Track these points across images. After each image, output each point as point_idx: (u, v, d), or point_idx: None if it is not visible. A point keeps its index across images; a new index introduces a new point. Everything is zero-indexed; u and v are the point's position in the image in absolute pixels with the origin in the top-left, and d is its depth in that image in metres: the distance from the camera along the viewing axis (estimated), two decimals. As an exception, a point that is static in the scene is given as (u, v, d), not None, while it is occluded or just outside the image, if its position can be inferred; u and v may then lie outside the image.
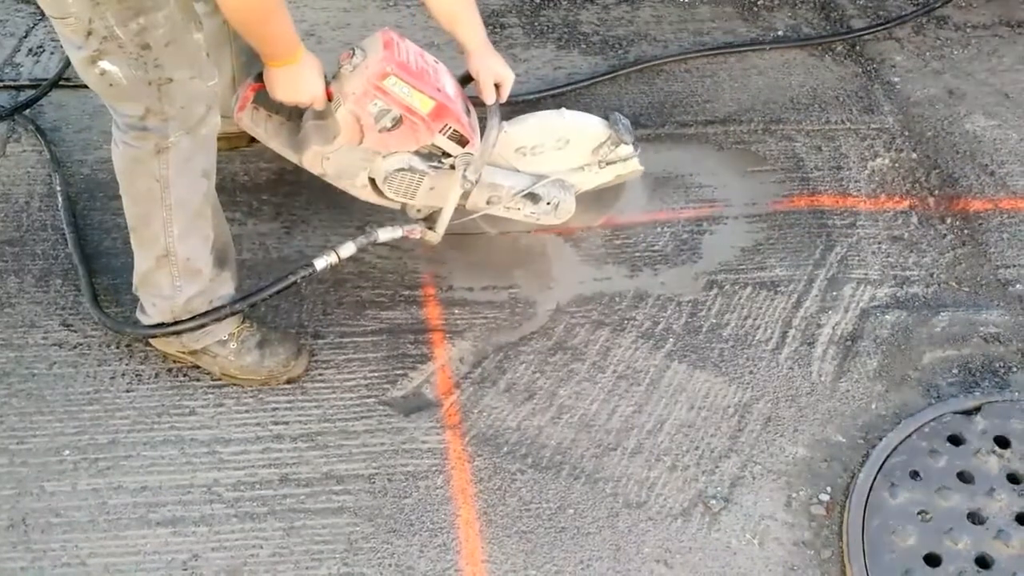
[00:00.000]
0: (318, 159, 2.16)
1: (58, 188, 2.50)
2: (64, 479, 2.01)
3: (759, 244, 2.52)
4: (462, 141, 2.16)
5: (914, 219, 2.59)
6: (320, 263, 2.11)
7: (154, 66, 1.78)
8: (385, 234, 2.21)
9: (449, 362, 2.25)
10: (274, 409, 2.14)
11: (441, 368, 2.24)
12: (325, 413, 2.14)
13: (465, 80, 2.25)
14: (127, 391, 2.16)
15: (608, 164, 2.36)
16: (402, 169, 2.18)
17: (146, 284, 2.06)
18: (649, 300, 2.39)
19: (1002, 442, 2.10)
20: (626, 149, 2.33)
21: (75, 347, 2.22)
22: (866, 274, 2.45)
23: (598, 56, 3.04)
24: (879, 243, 2.52)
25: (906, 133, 2.82)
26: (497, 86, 2.21)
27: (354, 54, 2.04)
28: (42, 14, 2.99)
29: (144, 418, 2.11)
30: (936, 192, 2.66)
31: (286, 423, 2.12)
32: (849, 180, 2.68)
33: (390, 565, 1.91)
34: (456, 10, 2.14)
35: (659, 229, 2.55)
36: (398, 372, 2.22)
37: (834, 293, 2.41)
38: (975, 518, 1.98)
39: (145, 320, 2.11)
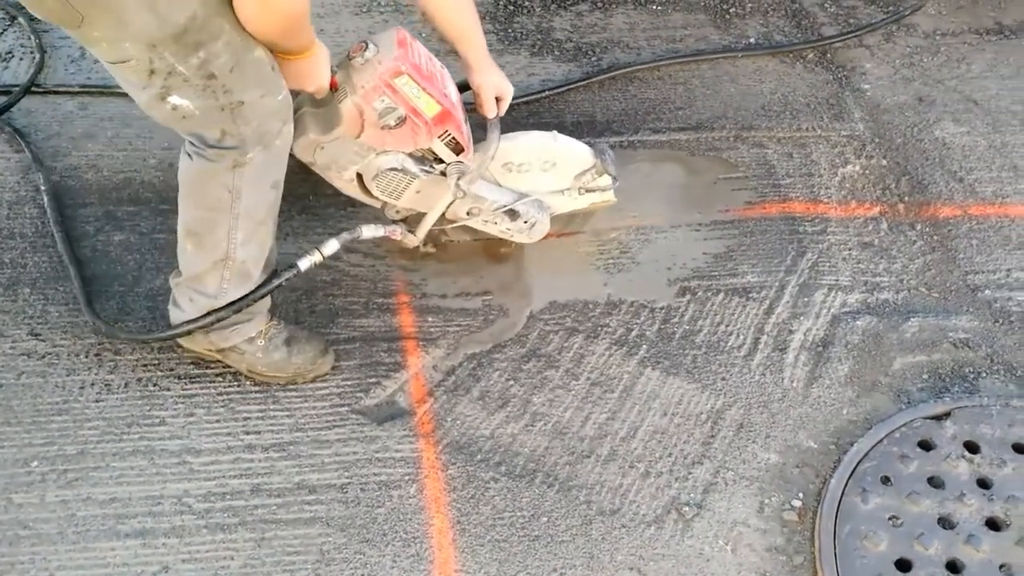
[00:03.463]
0: (311, 147, 2.14)
1: (43, 187, 2.48)
2: (32, 491, 1.99)
3: (731, 250, 2.53)
4: (457, 149, 2.17)
5: (884, 225, 2.61)
6: (304, 263, 2.10)
7: (223, 92, 1.76)
8: (368, 232, 2.21)
9: (422, 370, 2.24)
10: (245, 419, 2.12)
11: (414, 376, 2.23)
12: (297, 422, 2.12)
13: (462, 88, 2.25)
14: (96, 401, 2.13)
15: (587, 192, 2.39)
16: (394, 169, 2.17)
17: (195, 281, 2.04)
18: (622, 307, 2.40)
19: (972, 447, 2.12)
20: (606, 180, 2.37)
21: (43, 357, 2.19)
22: (837, 280, 2.47)
23: (572, 63, 3.04)
24: (850, 249, 2.54)
25: (876, 140, 2.84)
26: (497, 100, 2.23)
27: (367, 47, 2.03)
28: (11, 19, 2.97)
29: (113, 428, 2.09)
30: (906, 198, 2.68)
31: (258, 433, 2.10)
32: (820, 187, 2.70)
33: None
34: (464, 27, 2.18)
35: (632, 236, 2.55)
36: (371, 380, 2.21)
37: (805, 299, 2.43)
38: (946, 523, 1.99)
39: (176, 314, 2.09)
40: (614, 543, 1.97)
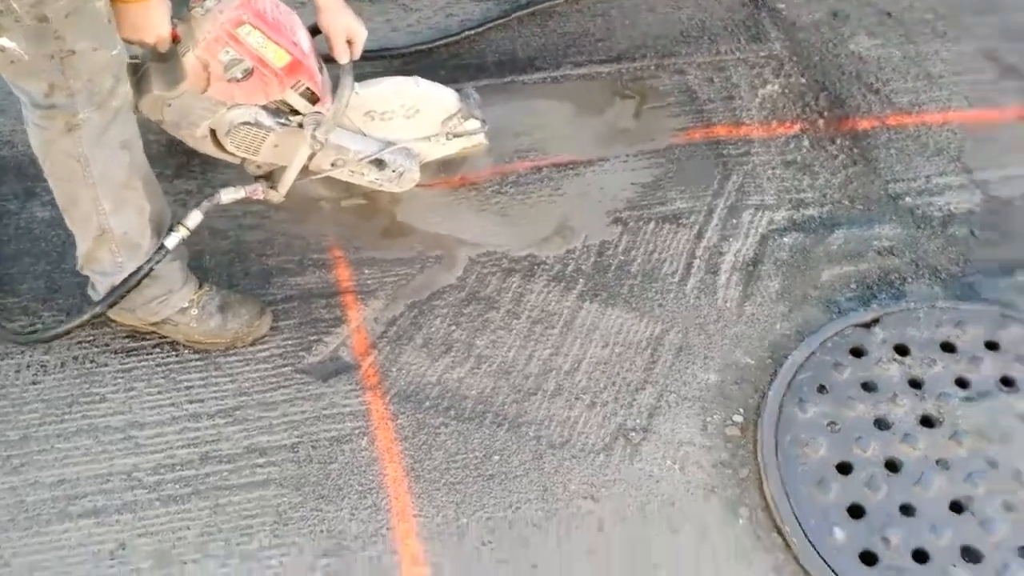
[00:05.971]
0: (158, 105, 2.05)
1: None
2: (-24, 480, 1.96)
3: (659, 179, 2.56)
4: (313, 99, 2.11)
5: (806, 142, 2.66)
6: (171, 241, 2.03)
7: (54, 38, 1.69)
8: (228, 195, 2.14)
9: (364, 323, 2.24)
10: (188, 388, 2.10)
11: (356, 330, 2.23)
12: (241, 387, 2.11)
13: (314, 32, 2.16)
14: (33, 383, 2.09)
15: (455, 137, 2.35)
16: (247, 123, 2.11)
17: (89, 262, 2.02)
18: (556, 243, 2.41)
19: (901, 350, 2.19)
20: (474, 124, 2.33)
21: (-28, 344, 2.15)
22: (763, 200, 2.52)
23: (490, 1, 3.01)
24: (774, 168, 2.59)
25: (794, 59, 2.88)
26: (349, 43, 2.15)
27: None
28: None
29: (54, 410, 2.06)
30: (825, 114, 2.73)
31: (201, 401, 2.09)
32: (741, 109, 2.73)
33: (322, 531, 1.91)
34: None
35: (561, 172, 2.56)
36: (312, 338, 2.20)
37: (734, 221, 2.47)
38: (881, 424, 2.07)
39: (94, 295, 2.08)
40: (566, 474, 2.02)
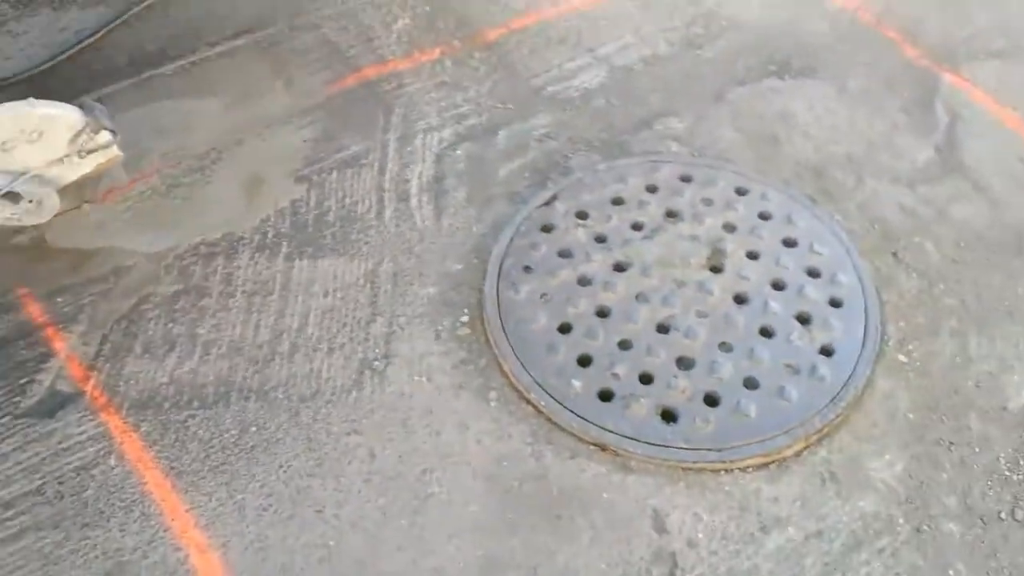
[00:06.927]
0: None
1: None
2: None
3: (328, 131, 2.63)
4: None
5: (448, 63, 2.84)
6: None
7: None
8: None
9: (73, 350, 2.14)
10: None
11: (67, 359, 2.13)
12: (-41, 453, 1.97)
13: None
14: None
15: (89, 153, 2.27)
16: None
17: None
18: (248, 216, 2.43)
19: (582, 215, 2.45)
20: (105, 136, 2.26)
21: None
22: (428, 123, 2.67)
23: (100, 5, 2.90)
24: (428, 93, 2.75)
25: (415, -9, 3.04)
26: None
27: None
28: None
29: None
30: (458, 34, 2.92)
31: (-81, 481, 1.92)
32: (383, 47, 2.85)
33: (97, 557, 1.84)
34: None
35: (230, 150, 2.56)
36: (23, 381, 2.08)
37: (408, 149, 2.60)
38: (583, 282, 2.31)
39: None
40: (325, 420, 2.07)
